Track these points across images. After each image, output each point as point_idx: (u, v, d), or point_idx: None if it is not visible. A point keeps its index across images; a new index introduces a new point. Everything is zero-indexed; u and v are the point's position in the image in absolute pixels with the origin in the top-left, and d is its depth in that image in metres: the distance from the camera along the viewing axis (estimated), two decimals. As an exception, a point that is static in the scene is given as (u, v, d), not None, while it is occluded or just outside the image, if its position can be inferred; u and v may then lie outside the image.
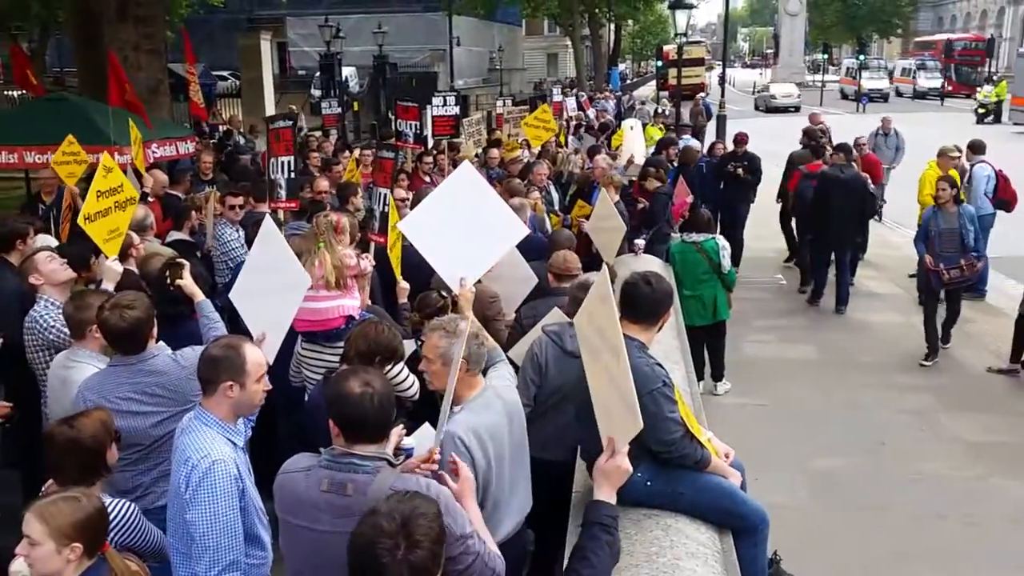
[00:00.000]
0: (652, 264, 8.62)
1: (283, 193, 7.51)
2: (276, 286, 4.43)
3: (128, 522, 3.42)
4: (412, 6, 48.18)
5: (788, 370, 9.60)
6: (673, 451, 3.64)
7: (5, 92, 24.54)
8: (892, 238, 15.37)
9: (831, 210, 10.95)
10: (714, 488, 3.77)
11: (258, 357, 3.45)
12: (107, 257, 5.36)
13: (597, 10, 54.06)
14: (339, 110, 20.62)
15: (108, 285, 5.16)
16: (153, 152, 11.13)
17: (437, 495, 2.84)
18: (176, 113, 18.27)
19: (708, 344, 8.81)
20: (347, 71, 33.22)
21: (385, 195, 7.02)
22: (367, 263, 5.78)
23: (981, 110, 38.05)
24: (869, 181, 12.12)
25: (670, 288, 3.97)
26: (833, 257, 11.52)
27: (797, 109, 46.62)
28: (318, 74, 31.43)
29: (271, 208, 7.39)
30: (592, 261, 7.37)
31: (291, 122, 7.90)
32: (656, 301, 3.83)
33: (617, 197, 9.03)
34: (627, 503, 3.62)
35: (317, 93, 30.42)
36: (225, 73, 35.93)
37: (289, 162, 7.54)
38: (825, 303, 11.63)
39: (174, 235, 7.59)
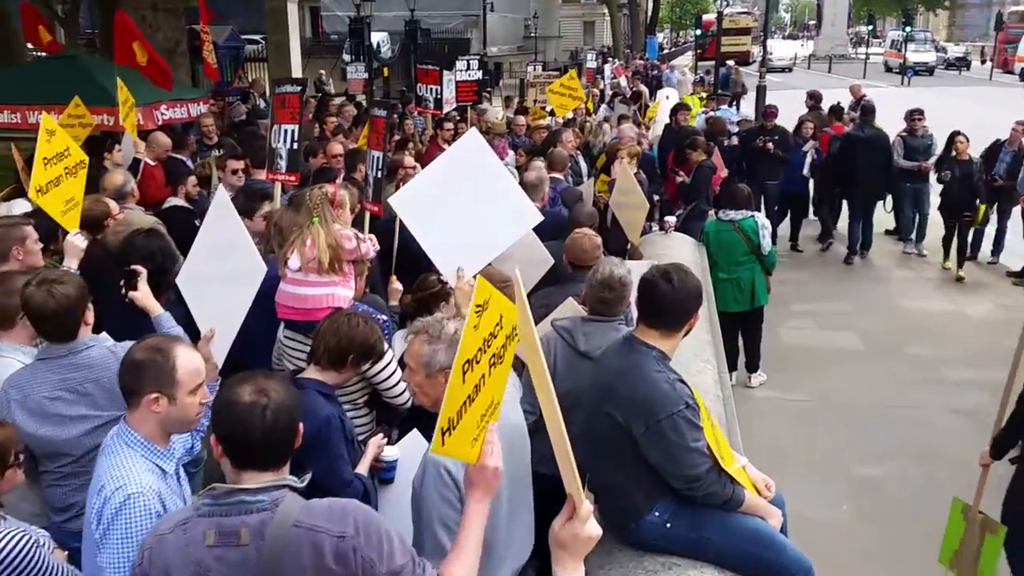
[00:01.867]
0: (682, 244, 7.97)
1: (283, 164, 6.83)
2: (228, 273, 3.78)
3: (20, 560, 2.71)
4: (446, -30, 47.20)
5: (829, 361, 8.90)
6: (697, 488, 3.00)
7: (36, 54, 24.12)
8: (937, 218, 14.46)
9: (857, 167, 11.86)
10: (748, 532, 3.11)
11: (192, 364, 2.82)
12: (67, 232, 4.77)
13: (636, -23, 52.87)
14: (366, 75, 20.02)
15: (71, 263, 4.58)
16: (162, 114, 10.64)
17: (355, 517, 2.22)
18: (198, 75, 17.79)
19: (744, 331, 8.13)
20: (379, 36, 32.46)
21: (378, 158, 6.39)
22: (368, 247, 5.06)
23: (1034, 84, 36.52)
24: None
25: (697, 285, 3.26)
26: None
27: (790, 70, 56.26)
28: (349, 39, 30.71)
29: (267, 179, 6.76)
30: (610, 239, 6.70)
31: (300, 88, 7.17)
32: (679, 302, 3.15)
33: (636, 168, 8.38)
34: (644, 548, 3.00)
35: (348, 58, 29.71)
36: (257, 37, 35.24)
37: (293, 131, 6.81)
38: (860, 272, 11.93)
39: (172, 201, 7.13)
